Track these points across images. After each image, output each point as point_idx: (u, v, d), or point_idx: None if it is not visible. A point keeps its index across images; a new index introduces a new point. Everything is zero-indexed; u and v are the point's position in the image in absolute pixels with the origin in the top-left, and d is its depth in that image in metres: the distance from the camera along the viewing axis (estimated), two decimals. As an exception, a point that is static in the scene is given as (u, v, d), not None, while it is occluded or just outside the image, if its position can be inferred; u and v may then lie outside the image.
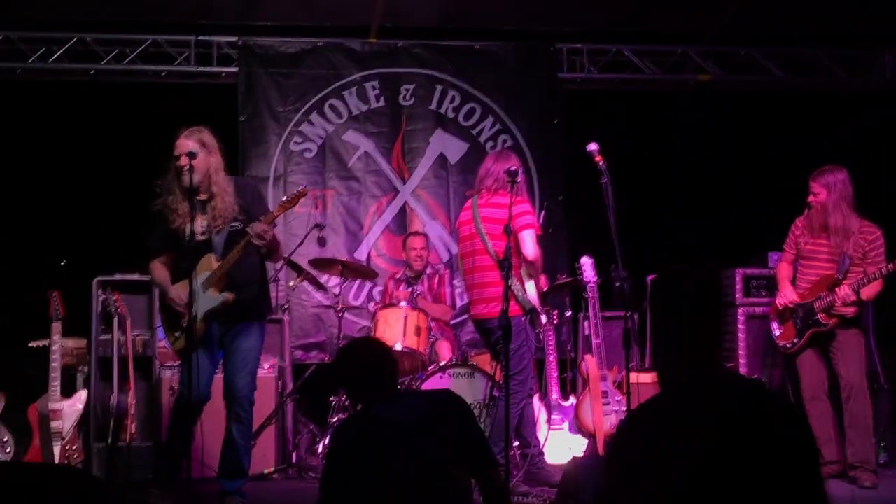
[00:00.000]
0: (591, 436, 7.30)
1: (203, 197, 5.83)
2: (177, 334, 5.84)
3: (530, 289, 6.29)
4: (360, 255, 9.41)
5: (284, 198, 5.98)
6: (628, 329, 5.54)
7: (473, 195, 6.78)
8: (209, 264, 5.79)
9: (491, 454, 4.18)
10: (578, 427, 7.44)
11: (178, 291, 5.74)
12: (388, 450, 3.94)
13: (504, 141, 9.66)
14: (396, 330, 7.44)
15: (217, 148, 5.85)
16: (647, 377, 7.73)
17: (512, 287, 6.16)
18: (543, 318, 6.59)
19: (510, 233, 5.56)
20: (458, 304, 8.62)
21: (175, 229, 5.78)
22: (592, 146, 5.99)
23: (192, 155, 5.66)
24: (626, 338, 5.52)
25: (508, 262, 5.48)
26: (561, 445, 7.35)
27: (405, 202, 9.55)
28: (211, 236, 5.83)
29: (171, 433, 5.98)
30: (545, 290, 6.95)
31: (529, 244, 6.20)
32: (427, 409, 4.12)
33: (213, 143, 5.86)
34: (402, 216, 9.53)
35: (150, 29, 9.48)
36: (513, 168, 5.90)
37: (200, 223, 5.82)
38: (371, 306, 8.98)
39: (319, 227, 8.29)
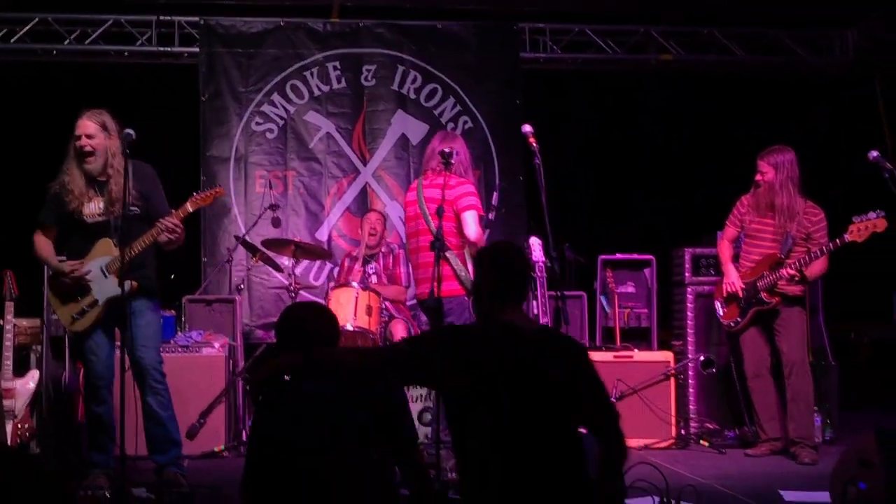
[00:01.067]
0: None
1: (102, 179, 5.87)
2: (75, 315, 5.86)
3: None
4: (321, 235, 9.47)
5: (197, 193, 5.95)
6: (558, 307, 5.58)
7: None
8: (108, 249, 5.82)
9: (411, 431, 4.19)
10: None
11: (75, 265, 5.80)
12: (304, 421, 3.98)
13: (465, 122, 9.70)
14: (348, 310, 7.47)
15: (117, 131, 5.86)
16: (593, 356, 7.74)
17: (454, 266, 6.21)
18: None
19: (442, 213, 5.60)
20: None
21: (71, 211, 5.82)
22: (526, 128, 6.05)
23: (89, 136, 5.79)
24: (555, 316, 5.56)
25: (440, 242, 5.52)
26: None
27: (366, 183, 9.60)
28: (109, 218, 5.85)
29: (89, 416, 6.03)
30: None
31: (472, 224, 6.24)
32: (349, 380, 4.13)
33: (113, 126, 5.89)
34: (364, 197, 9.57)
35: (112, 8, 9.50)
36: (447, 150, 5.95)
37: (98, 204, 5.86)
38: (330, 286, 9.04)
39: (273, 207, 8.33)
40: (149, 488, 5.59)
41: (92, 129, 5.85)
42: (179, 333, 7.58)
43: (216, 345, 7.44)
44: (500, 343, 3.92)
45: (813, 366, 7.59)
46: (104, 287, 5.82)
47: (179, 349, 7.38)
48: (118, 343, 6.09)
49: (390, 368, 4.11)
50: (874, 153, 6.19)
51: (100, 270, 5.82)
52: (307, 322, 4.30)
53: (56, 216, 5.95)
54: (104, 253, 5.84)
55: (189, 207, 5.89)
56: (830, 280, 8.08)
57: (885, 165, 6.10)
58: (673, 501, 5.21)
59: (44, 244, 6.02)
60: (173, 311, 7.72)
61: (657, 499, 5.25)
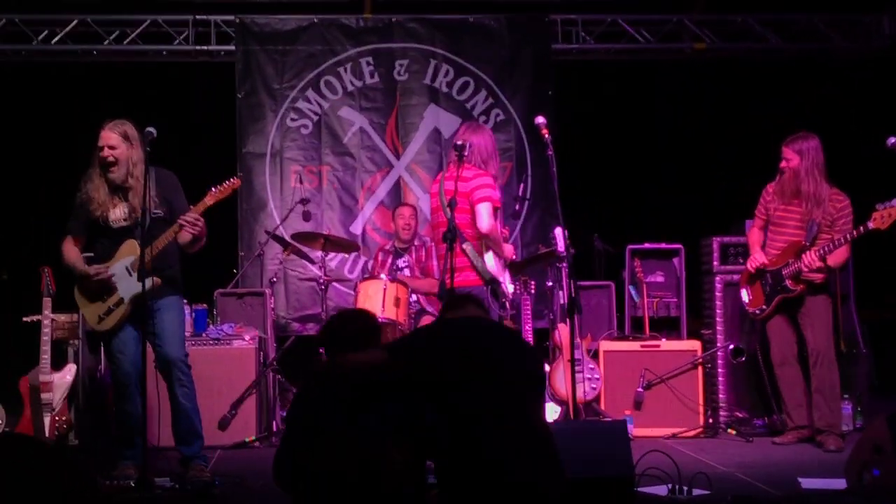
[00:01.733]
0: (563, 403, 7.41)
1: (125, 186, 6.01)
2: (101, 314, 6.00)
3: (489, 260, 6.37)
4: (356, 229, 9.58)
5: (215, 187, 6.03)
6: (571, 298, 5.61)
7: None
8: (133, 249, 5.95)
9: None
10: (552, 394, 7.56)
11: (99, 268, 5.96)
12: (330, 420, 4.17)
13: (497, 115, 9.75)
14: (376, 301, 7.57)
15: (139, 140, 5.99)
16: (620, 345, 7.82)
17: (471, 257, 6.28)
18: (509, 288, 6.64)
19: (454, 205, 5.68)
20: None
21: (97, 218, 5.99)
22: (539, 119, 6.12)
23: (111, 147, 5.92)
24: (569, 306, 5.61)
25: (452, 233, 5.59)
26: (534, 412, 7.47)
27: (399, 177, 9.68)
28: (133, 223, 5.99)
29: (122, 415, 6.11)
30: (519, 261, 7.02)
31: (484, 216, 6.27)
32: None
33: (135, 136, 6.01)
34: (397, 191, 9.66)
35: (149, 8, 9.69)
36: (459, 142, 6.00)
37: (122, 210, 6.01)
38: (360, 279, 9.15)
39: (304, 201, 8.43)
40: (172, 478, 5.73)
41: (114, 139, 5.98)
42: (211, 326, 7.71)
43: (247, 337, 7.57)
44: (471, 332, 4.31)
45: (844, 353, 7.58)
46: (129, 285, 5.95)
47: (211, 342, 7.53)
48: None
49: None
50: (893, 139, 6.15)
51: (125, 269, 5.97)
52: (343, 327, 4.51)
53: (83, 225, 6.12)
54: (129, 253, 5.98)
55: (208, 201, 5.99)
56: (861, 266, 8.05)
57: (902, 153, 6.07)
58: (685, 489, 5.24)
59: (70, 251, 6.18)
60: (205, 305, 7.85)
61: (669, 486, 5.28)
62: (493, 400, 4.10)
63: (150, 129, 5.74)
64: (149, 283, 5.72)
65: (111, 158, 5.92)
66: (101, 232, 6.03)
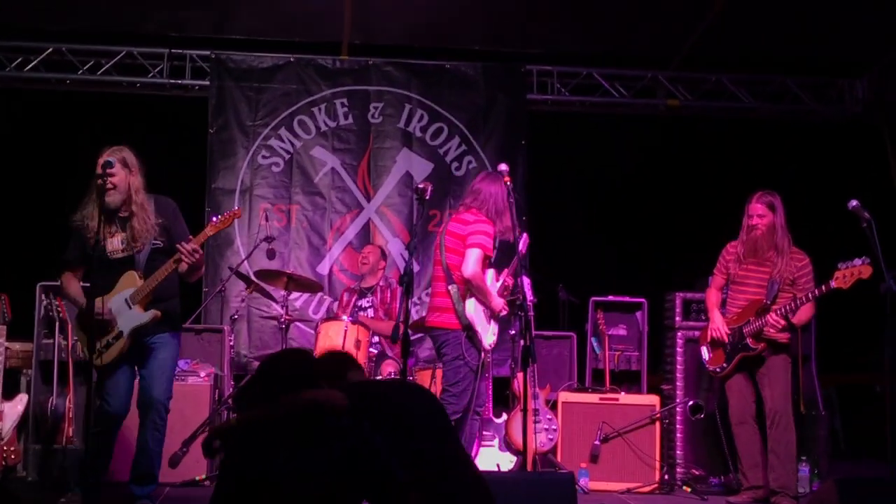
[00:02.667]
0: (519, 453, 7.35)
1: (123, 214, 5.93)
2: (100, 348, 5.86)
3: (469, 305, 6.34)
4: (323, 269, 9.54)
5: (216, 218, 6.03)
6: (526, 347, 5.56)
7: None
8: (133, 281, 5.89)
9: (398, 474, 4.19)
10: (508, 443, 7.50)
11: (98, 307, 5.79)
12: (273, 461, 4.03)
13: (469, 162, 9.78)
14: (336, 342, 7.54)
15: (138, 168, 5.95)
16: (579, 397, 7.77)
17: (453, 299, 6.27)
18: (489, 339, 6.55)
19: (412, 249, 5.73)
20: (414, 319, 8.68)
21: (92, 247, 5.84)
22: (502, 166, 6.21)
23: (108, 164, 5.78)
24: (523, 356, 5.56)
25: (408, 277, 5.57)
26: (490, 461, 7.41)
27: (369, 219, 9.67)
28: (132, 253, 5.92)
29: (93, 447, 5.92)
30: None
31: (469, 261, 6.24)
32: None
33: (134, 163, 5.96)
34: (366, 233, 9.64)
35: (125, 40, 9.68)
36: (420, 185, 5.98)
37: (121, 240, 5.92)
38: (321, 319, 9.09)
39: (269, 239, 8.38)
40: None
41: (113, 166, 5.91)
42: (167, 362, 7.61)
43: (202, 374, 7.49)
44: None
45: (803, 415, 7.56)
46: (129, 318, 5.87)
47: (166, 378, 7.42)
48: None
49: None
50: (853, 202, 6.17)
51: (124, 302, 5.88)
52: (278, 367, 4.40)
53: (80, 256, 6.03)
54: (128, 285, 5.91)
55: (209, 231, 5.98)
56: (822, 328, 8.05)
57: (863, 215, 6.08)
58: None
59: (70, 283, 6.09)
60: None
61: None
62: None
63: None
64: (149, 315, 5.70)
65: (109, 184, 5.81)
66: (97, 262, 5.86)
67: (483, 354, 6.44)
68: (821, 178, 9.63)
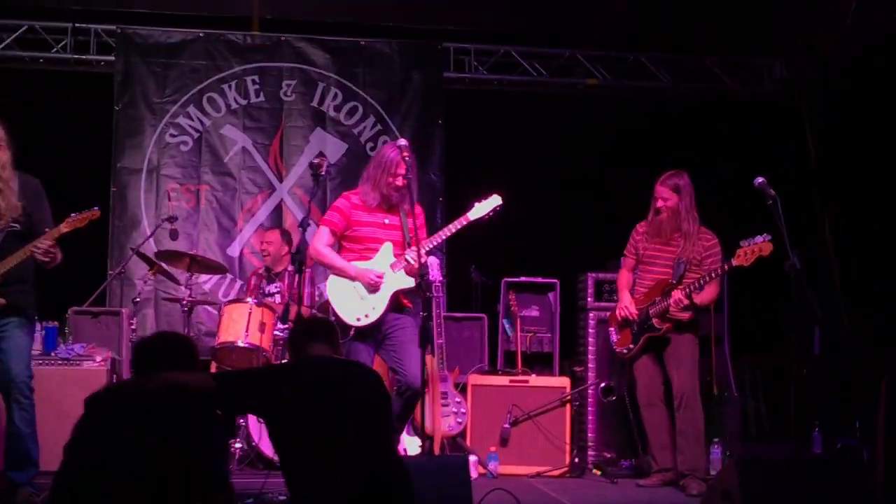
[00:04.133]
0: (427, 437, 7.18)
1: None
2: None
3: (329, 284, 6.17)
4: (233, 251, 9.30)
5: (74, 215, 5.74)
6: (422, 326, 5.39)
7: None
8: None
9: (216, 475, 4.10)
10: (415, 428, 7.33)
11: None
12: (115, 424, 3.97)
13: (384, 142, 9.51)
14: (240, 325, 7.32)
15: (8, 142, 5.67)
16: (488, 379, 7.62)
17: None
18: (349, 318, 6.26)
19: (305, 225, 5.51)
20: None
21: None
22: (401, 141, 6.07)
23: None
24: (421, 337, 5.38)
25: (300, 255, 5.40)
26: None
27: (281, 199, 9.43)
28: None
29: None
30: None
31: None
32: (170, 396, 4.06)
33: (3, 136, 5.68)
34: (278, 214, 9.40)
35: (27, 14, 9.33)
36: (315, 161, 5.78)
37: None
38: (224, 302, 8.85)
39: (171, 219, 8.13)
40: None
41: None
42: (62, 346, 7.33)
43: (98, 358, 7.21)
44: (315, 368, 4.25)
45: (715, 396, 7.49)
46: None
47: (59, 362, 7.14)
48: None
49: (223, 397, 4.16)
50: (759, 179, 6.07)
51: None
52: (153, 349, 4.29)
53: None
54: None
55: (63, 228, 5.69)
56: (735, 309, 7.98)
57: (768, 192, 5.99)
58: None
59: None
60: (56, 323, 7.47)
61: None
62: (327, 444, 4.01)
63: None
64: None
65: None
66: None
67: (352, 331, 6.16)
68: (738, 157, 9.54)
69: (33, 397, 5.75)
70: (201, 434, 4.02)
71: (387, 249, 6.14)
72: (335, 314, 6.00)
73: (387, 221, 6.18)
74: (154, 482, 3.84)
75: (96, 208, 5.79)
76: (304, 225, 5.47)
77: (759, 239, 6.32)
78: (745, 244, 6.38)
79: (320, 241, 6.11)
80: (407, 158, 5.86)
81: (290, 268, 8.22)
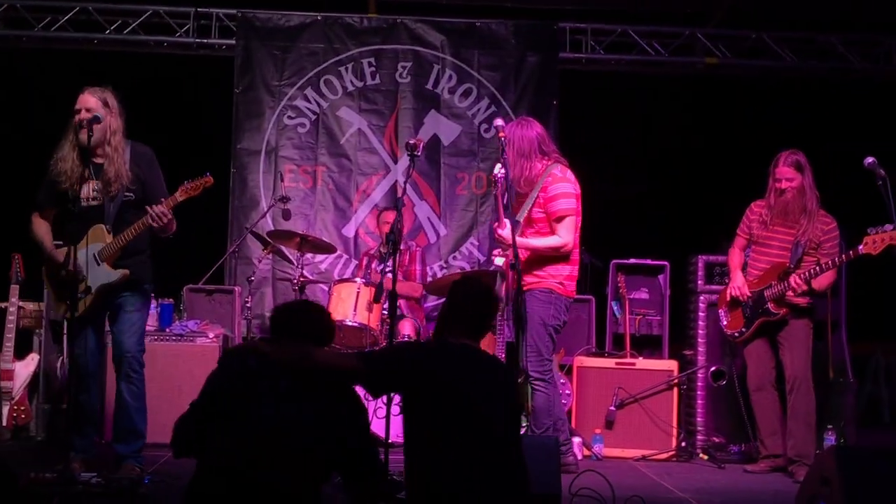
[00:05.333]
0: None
1: (99, 161, 5.73)
2: (69, 302, 5.60)
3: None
4: (348, 232, 9.40)
5: (187, 182, 5.75)
6: (517, 309, 5.37)
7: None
8: (102, 235, 5.72)
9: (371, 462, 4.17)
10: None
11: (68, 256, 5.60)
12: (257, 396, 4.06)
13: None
14: (348, 304, 7.42)
15: (119, 110, 5.77)
16: (594, 361, 7.55)
17: None
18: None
19: (399, 205, 5.55)
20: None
21: (64, 191, 5.71)
22: (498, 121, 6.02)
23: (96, 119, 5.63)
24: (515, 318, 5.37)
25: (395, 235, 5.40)
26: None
27: (396, 181, 9.49)
28: (103, 202, 5.74)
29: (71, 407, 5.81)
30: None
31: None
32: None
33: (115, 105, 5.76)
34: (392, 195, 9.44)
35: (151, 0, 9.59)
36: (412, 141, 5.74)
37: (92, 187, 5.73)
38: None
39: (284, 199, 8.25)
40: (100, 474, 5.46)
41: (92, 102, 5.72)
42: (176, 322, 7.54)
43: (210, 335, 7.40)
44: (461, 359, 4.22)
45: (831, 382, 7.29)
46: (96, 274, 5.73)
47: (173, 338, 7.35)
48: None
49: (363, 376, 4.21)
50: (870, 159, 5.87)
51: (93, 258, 5.72)
52: (292, 317, 4.33)
53: (52, 198, 5.86)
54: (97, 239, 5.73)
55: (178, 197, 5.72)
56: (854, 295, 7.73)
57: (879, 172, 5.77)
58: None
59: (41, 226, 5.94)
60: (172, 300, 7.67)
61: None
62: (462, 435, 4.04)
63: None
64: (119, 275, 5.62)
65: (88, 124, 5.59)
66: (69, 212, 5.71)
67: None
68: (863, 139, 9.22)
69: (143, 372, 5.87)
70: (348, 415, 4.11)
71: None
72: None
73: None
74: (288, 454, 3.93)
75: (208, 174, 5.81)
76: (398, 205, 5.48)
77: (888, 227, 6.03)
78: (873, 231, 6.12)
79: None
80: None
81: (402, 245, 8.25)
